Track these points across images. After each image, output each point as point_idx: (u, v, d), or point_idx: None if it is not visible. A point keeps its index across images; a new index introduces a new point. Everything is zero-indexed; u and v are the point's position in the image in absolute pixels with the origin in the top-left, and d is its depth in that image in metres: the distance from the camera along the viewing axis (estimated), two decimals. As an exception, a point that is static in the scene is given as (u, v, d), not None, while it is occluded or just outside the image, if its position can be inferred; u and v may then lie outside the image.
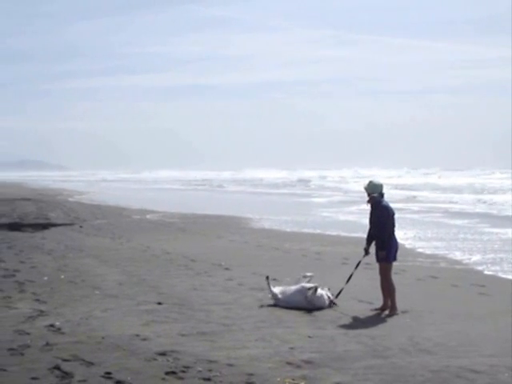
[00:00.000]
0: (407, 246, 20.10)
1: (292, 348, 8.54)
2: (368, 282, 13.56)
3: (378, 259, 11.11)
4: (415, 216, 30.79)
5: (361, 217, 30.50)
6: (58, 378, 7.24)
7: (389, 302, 10.91)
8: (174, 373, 7.43)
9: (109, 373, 7.36)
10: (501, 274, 15.12)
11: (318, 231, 24.28)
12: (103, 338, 8.88)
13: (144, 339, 8.84)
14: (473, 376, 7.61)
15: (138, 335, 9.02)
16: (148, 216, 31.12)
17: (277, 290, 11.42)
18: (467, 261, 17.11)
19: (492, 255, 17.81)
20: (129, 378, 7.20)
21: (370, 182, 11.32)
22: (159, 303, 11.21)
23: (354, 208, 35.94)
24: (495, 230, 24.00)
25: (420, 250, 19.07)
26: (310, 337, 9.12)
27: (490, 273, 15.33)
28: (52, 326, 9.57)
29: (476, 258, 17.49)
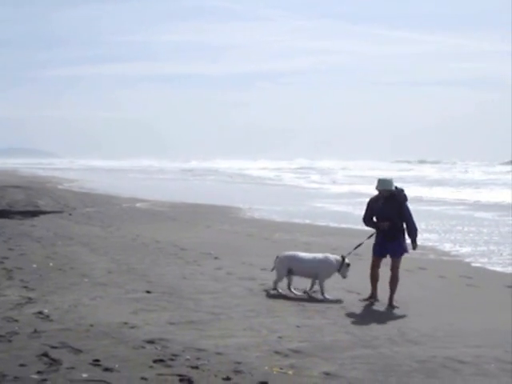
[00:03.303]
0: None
1: (280, 337, 8.57)
2: (357, 273, 13.60)
3: (398, 254, 11.09)
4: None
5: (351, 208, 30.61)
6: (46, 364, 7.24)
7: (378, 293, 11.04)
8: (162, 361, 7.45)
9: (97, 360, 7.37)
10: (488, 266, 15.22)
11: (308, 221, 24.33)
12: (92, 325, 8.88)
13: (132, 327, 8.85)
14: (459, 366, 7.67)
15: (126, 323, 9.03)
16: (138, 204, 31.07)
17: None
18: (455, 252, 17.20)
19: (481, 247, 17.90)
20: (117, 366, 7.21)
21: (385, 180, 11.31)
22: (148, 292, 11.22)
23: (344, 200, 36.04)
24: (486, 222, 24.11)
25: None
26: (298, 326, 9.16)
27: (478, 265, 15.43)
28: (40, 313, 9.56)
29: (465, 249, 17.58)
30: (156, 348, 7.93)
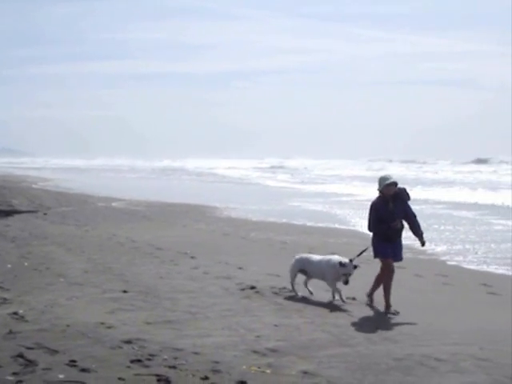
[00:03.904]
0: (372, 236, 20.26)
1: (258, 336, 8.57)
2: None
3: (400, 258, 10.77)
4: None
5: (327, 207, 30.70)
6: (21, 366, 7.17)
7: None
8: (139, 361, 7.40)
9: (73, 361, 7.31)
10: (463, 265, 15.34)
11: (285, 220, 24.35)
12: (68, 325, 8.81)
13: (109, 327, 8.79)
14: (435, 364, 7.71)
15: (103, 323, 8.97)
16: (113, 204, 30.91)
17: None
18: (431, 251, 17.31)
19: (457, 246, 18.04)
20: (93, 366, 7.15)
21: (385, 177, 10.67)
22: (125, 291, 11.16)
23: (321, 199, 36.15)
24: (463, 221, 24.31)
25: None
26: (275, 325, 9.15)
27: (454, 263, 15.55)
28: (15, 313, 9.47)
29: (440, 248, 17.71)
30: (133, 348, 7.88)
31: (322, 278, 11.12)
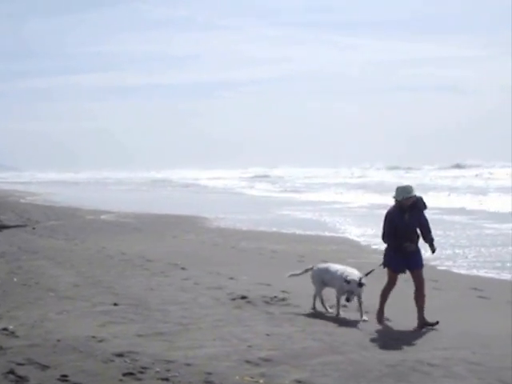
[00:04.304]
0: (362, 242, 20.33)
1: (250, 346, 8.55)
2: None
3: (420, 264, 10.35)
4: (371, 212, 31.12)
5: (317, 215, 30.74)
6: (12, 382, 7.12)
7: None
8: (131, 374, 7.37)
9: (65, 376, 7.27)
10: (453, 269, 15.38)
11: (274, 229, 24.35)
12: (58, 340, 8.75)
13: (100, 341, 8.75)
14: (428, 369, 7.72)
15: (94, 337, 8.92)
16: (102, 216, 30.81)
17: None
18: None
19: (447, 251, 18.07)
20: (85, 381, 7.12)
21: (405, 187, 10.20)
22: (115, 304, 11.11)
23: (309, 207, 36.20)
24: (454, 226, 24.38)
25: (375, 247, 19.25)
26: (267, 335, 9.14)
27: (444, 268, 15.58)
28: (5, 329, 9.40)
29: (430, 253, 17.70)
30: (125, 361, 7.84)
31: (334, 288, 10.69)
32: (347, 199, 42.42)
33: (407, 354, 8.37)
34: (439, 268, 15.58)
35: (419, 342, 8.91)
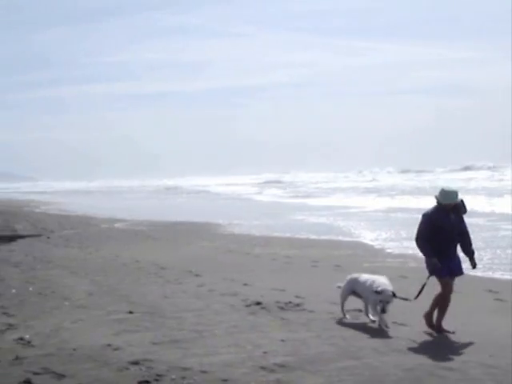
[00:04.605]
0: (376, 246, 20.27)
1: (265, 352, 8.52)
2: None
3: (462, 270, 10.00)
4: (385, 216, 31.04)
5: (330, 220, 30.68)
6: (29, 391, 7.13)
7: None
8: (147, 382, 7.37)
9: (81, 384, 7.27)
10: (469, 272, 15.25)
11: (288, 235, 24.32)
12: (74, 349, 8.77)
13: (116, 349, 8.75)
14: (445, 373, 7.67)
15: (109, 345, 8.93)
16: (116, 225, 30.89)
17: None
18: (436, 259, 17.24)
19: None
20: (101, 389, 7.12)
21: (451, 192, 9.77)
22: (130, 312, 11.12)
23: (322, 212, 36.15)
24: (471, 228, 24.23)
25: (389, 251, 19.21)
26: (282, 340, 9.11)
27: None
28: (21, 339, 9.43)
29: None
30: (140, 369, 7.84)
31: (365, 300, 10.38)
32: (360, 203, 42.34)
33: (424, 357, 8.32)
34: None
35: (436, 345, 8.85)
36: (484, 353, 8.46)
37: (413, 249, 19.29)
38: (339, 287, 10.82)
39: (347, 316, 10.54)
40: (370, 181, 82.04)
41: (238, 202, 51.79)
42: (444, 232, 9.56)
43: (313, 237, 23.26)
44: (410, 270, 15.56)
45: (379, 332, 9.64)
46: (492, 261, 16.60)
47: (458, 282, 13.65)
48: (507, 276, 14.58)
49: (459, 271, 9.87)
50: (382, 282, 10.09)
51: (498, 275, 14.72)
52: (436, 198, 9.73)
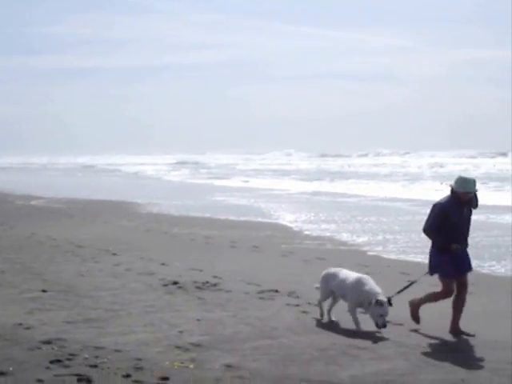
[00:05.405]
0: (295, 228, 20.50)
1: (181, 331, 8.50)
2: (256, 265, 13.71)
3: (471, 266, 9.13)
4: (303, 198, 31.41)
5: (251, 201, 30.83)
6: None
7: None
8: (59, 361, 7.23)
9: (-10, 364, 7.08)
10: (383, 255, 15.65)
11: (208, 215, 24.31)
12: (-16, 328, 8.52)
13: (27, 328, 8.55)
14: (358, 352, 7.83)
15: (21, 324, 8.72)
16: (32, 202, 30.19)
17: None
18: (353, 242, 17.60)
19: (378, 237, 18.38)
20: (11, 369, 6.94)
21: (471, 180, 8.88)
22: (44, 291, 10.89)
23: (246, 193, 36.27)
24: (387, 212, 24.80)
25: (307, 233, 19.45)
26: (198, 320, 9.10)
27: (374, 253, 15.84)
28: None
29: (362, 239, 18.01)
30: (53, 348, 7.69)
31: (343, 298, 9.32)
32: (282, 186, 42.69)
33: (338, 338, 8.47)
34: (370, 253, 15.83)
35: (350, 325, 9.01)
36: (395, 332, 8.68)
37: (330, 231, 19.69)
38: (317, 288, 9.64)
39: (330, 317, 9.37)
40: (286, 164, 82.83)
41: (150, 182, 51.58)
42: (456, 227, 8.77)
43: (232, 218, 23.33)
44: (327, 252, 15.82)
45: (294, 312, 9.75)
46: (406, 244, 17.04)
47: (372, 264, 14.02)
48: (419, 258, 14.99)
49: (469, 267, 9.01)
50: (373, 285, 9.00)
51: (410, 258, 15.11)
52: (451, 186, 8.84)
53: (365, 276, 9.24)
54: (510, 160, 70.37)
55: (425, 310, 9.22)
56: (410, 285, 9.21)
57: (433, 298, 9.10)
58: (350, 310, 9.02)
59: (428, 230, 8.88)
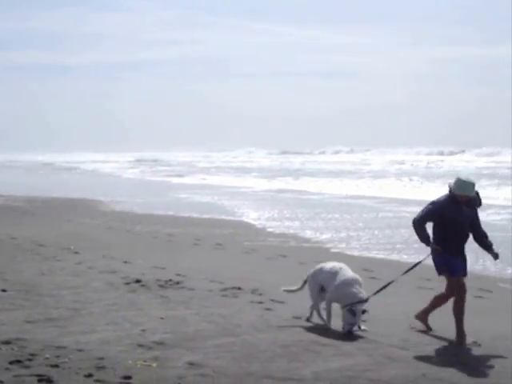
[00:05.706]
0: (258, 226, 20.53)
1: (143, 330, 8.44)
2: (219, 263, 13.70)
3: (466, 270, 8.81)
4: (266, 196, 31.45)
5: (215, 199, 30.79)
6: None
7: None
8: (19, 361, 7.12)
9: None
10: (346, 251, 15.74)
11: (171, 213, 24.22)
12: None
13: (-13, 328, 8.42)
14: (320, 348, 7.86)
15: (-20, 324, 8.58)
16: (-8, 200, 29.73)
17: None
18: (316, 239, 17.68)
19: (341, 234, 18.49)
20: (-30, 370, 6.84)
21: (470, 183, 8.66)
22: (3, 290, 10.72)
23: (207, 190, 36.22)
24: (350, 209, 24.95)
25: (270, 230, 19.49)
26: (161, 318, 9.06)
27: (337, 250, 15.92)
28: None
29: (325, 236, 18.10)
30: (12, 349, 7.58)
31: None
32: (245, 184, 42.72)
33: (301, 334, 8.49)
34: (333, 250, 15.91)
35: (313, 322, 9.04)
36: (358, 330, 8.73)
37: (294, 228, 19.76)
38: (287, 291, 9.68)
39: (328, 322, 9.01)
40: (248, 161, 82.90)
41: (109, 180, 51.25)
42: (456, 225, 8.57)
43: (195, 215, 23.28)
44: (290, 249, 15.87)
45: (257, 310, 9.76)
46: (369, 241, 17.18)
47: (335, 261, 14.06)
48: (381, 255, 15.14)
49: (466, 271, 8.77)
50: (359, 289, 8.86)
51: (373, 254, 15.24)
52: (449, 186, 8.68)
53: (356, 277, 9.03)
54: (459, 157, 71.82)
55: (389, 308, 9.27)
56: (388, 285, 9.03)
57: (440, 301, 8.88)
58: (327, 302, 8.93)
59: (417, 222, 8.62)
